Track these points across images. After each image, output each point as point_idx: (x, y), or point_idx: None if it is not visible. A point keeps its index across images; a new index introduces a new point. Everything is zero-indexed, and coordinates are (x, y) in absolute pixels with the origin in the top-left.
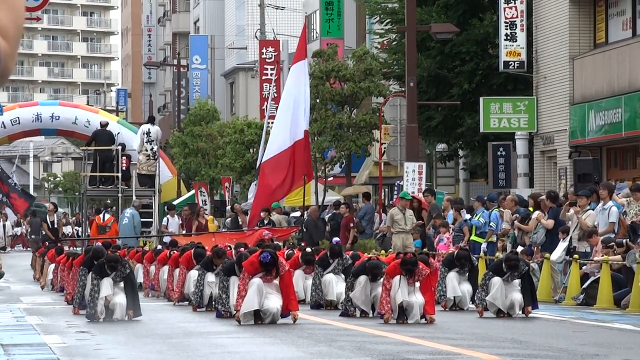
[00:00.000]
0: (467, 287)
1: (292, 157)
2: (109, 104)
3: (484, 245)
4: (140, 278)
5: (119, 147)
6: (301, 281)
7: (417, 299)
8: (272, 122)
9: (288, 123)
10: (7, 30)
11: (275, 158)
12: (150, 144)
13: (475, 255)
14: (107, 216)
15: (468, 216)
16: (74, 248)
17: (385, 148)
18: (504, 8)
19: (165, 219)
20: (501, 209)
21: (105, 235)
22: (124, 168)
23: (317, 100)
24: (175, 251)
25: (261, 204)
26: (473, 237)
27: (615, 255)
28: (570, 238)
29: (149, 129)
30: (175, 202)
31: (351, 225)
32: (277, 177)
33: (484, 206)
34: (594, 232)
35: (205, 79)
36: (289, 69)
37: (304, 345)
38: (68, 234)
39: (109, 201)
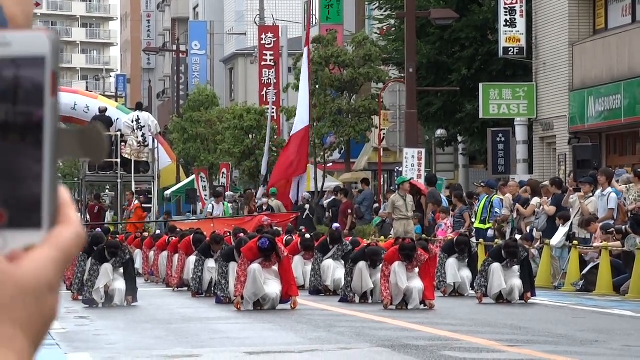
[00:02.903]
0: (466, 273)
1: (302, 141)
2: (108, 90)
3: (490, 232)
4: (139, 264)
5: (118, 133)
6: (300, 267)
7: (417, 284)
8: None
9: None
10: (16, 18)
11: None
12: (141, 130)
13: (475, 242)
14: (135, 202)
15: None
16: None
17: (384, 134)
18: None
19: (210, 205)
20: (501, 197)
21: (131, 220)
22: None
23: (317, 86)
24: (174, 237)
25: (280, 173)
26: (477, 225)
27: (615, 241)
28: (571, 224)
29: (137, 116)
30: (174, 188)
31: (349, 211)
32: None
33: (493, 190)
34: (592, 220)
35: (204, 64)
36: (289, 54)
37: (303, 331)
38: None
39: (138, 188)
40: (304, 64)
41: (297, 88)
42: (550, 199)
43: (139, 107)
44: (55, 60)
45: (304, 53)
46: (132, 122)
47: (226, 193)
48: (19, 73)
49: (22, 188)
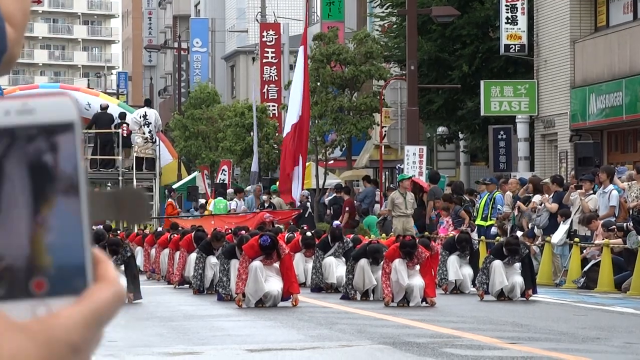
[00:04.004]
0: (468, 271)
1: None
2: (109, 87)
3: (494, 230)
4: (140, 261)
5: (119, 130)
6: (301, 264)
7: (417, 282)
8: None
9: (297, 103)
10: (13, 17)
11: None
12: (148, 127)
13: (476, 239)
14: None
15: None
16: None
17: (385, 131)
18: None
19: (233, 202)
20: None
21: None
22: (124, 135)
23: (318, 84)
24: (175, 234)
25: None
26: (478, 222)
27: (616, 238)
28: (572, 221)
29: (145, 112)
30: (175, 185)
31: (347, 208)
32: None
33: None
34: (593, 218)
35: (205, 62)
36: (290, 52)
37: (304, 329)
38: None
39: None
40: (300, 62)
41: None
42: (551, 196)
43: (147, 103)
44: (81, 125)
45: (299, 51)
46: (140, 117)
47: (227, 190)
48: (49, 140)
49: (61, 255)
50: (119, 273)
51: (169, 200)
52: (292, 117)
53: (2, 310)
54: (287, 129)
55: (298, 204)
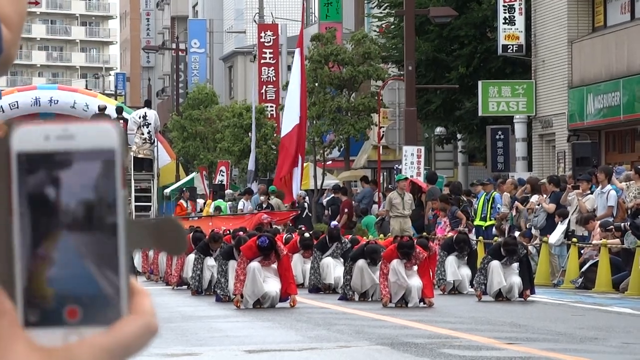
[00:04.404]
0: (466, 271)
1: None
2: (107, 88)
3: (494, 230)
4: (138, 262)
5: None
6: (300, 265)
7: (415, 282)
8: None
9: (296, 104)
10: (10, 18)
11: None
12: (147, 127)
13: (474, 240)
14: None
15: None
16: None
17: (384, 132)
18: None
19: (241, 202)
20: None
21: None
22: None
23: (316, 84)
24: None
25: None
26: (477, 222)
27: (614, 239)
28: (569, 221)
29: (145, 113)
30: (173, 186)
31: (345, 210)
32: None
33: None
34: (590, 218)
35: (203, 62)
36: (288, 52)
37: (302, 329)
38: None
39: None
40: (296, 64)
41: None
42: (548, 196)
43: (147, 104)
44: (123, 153)
45: (295, 53)
46: (140, 118)
47: (225, 191)
48: (87, 167)
49: (96, 285)
50: (154, 307)
51: (180, 201)
52: (290, 117)
53: (31, 334)
54: (285, 129)
55: (296, 204)
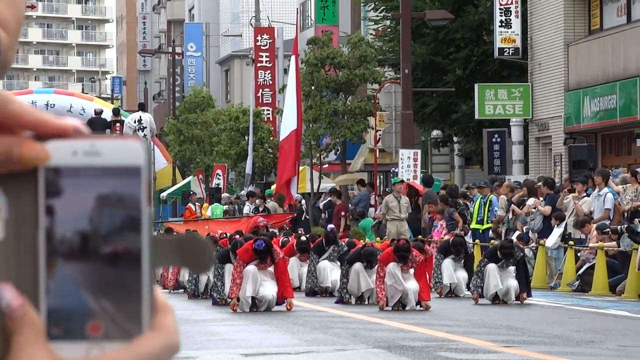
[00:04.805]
0: (462, 274)
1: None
2: (104, 92)
3: (491, 233)
4: None
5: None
6: (296, 268)
7: (412, 285)
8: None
9: (293, 110)
10: (7, 22)
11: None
12: (143, 131)
13: (471, 243)
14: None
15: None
16: None
17: (380, 135)
18: None
19: (246, 206)
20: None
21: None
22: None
23: (312, 88)
24: None
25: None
26: (473, 225)
27: (611, 241)
28: (566, 224)
29: (140, 117)
30: (170, 190)
31: (342, 213)
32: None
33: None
34: (586, 222)
35: (200, 66)
36: (285, 56)
37: (299, 333)
38: None
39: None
40: (292, 70)
41: None
42: (543, 199)
43: (141, 107)
44: (149, 170)
45: (291, 59)
46: (135, 122)
47: (222, 195)
48: (113, 183)
49: (119, 300)
50: (177, 324)
51: (189, 204)
52: (287, 122)
53: (53, 347)
54: (283, 133)
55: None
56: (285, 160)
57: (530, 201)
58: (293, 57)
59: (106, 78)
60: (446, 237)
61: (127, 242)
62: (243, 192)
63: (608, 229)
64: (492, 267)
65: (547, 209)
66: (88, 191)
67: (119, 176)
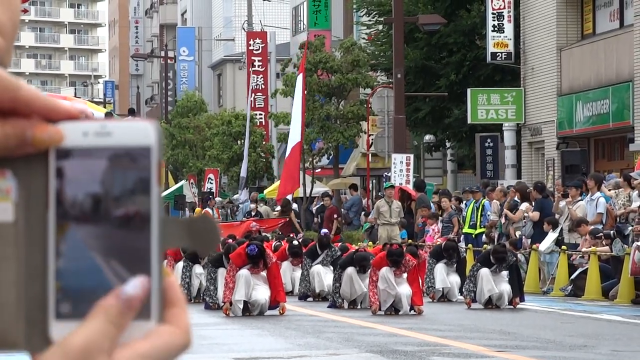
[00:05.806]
0: (455, 279)
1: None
2: (96, 96)
3: (484, 238)
4: None
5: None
6: (289, 273)
7: (405, 290)
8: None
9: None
10: (4, 26)
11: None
12: None
13: (463, 247)
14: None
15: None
16: None
17: (372, 139)
18: None
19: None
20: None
21: None
22: None
23: (305, 92)
24: None
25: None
26: (465, 230)
27: (603, 246)
28: (561, 229)
29: None
30: (162, 194)
31: (334, 216)
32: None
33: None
34: (582, 222)
35: (192, 70)
36: (277, 60)
37: (292, 337)
38: None
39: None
40: (298, 87)
41: (285, 94)
42: (534, 204)
43: (131, 113)
44: (160, 151)
45: (297, 78)
46: None
47: (215, 199)
48: (123, 163)
49: (129, 280)
50: (191, 325)
51: (206, 209)
52: (293, 137)
53: (61, 326)
54: (288, 150)
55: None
56: (288, 176)
57: (523, 206)
58: (300, 75)
59: (98, 82)
60: (439, 242)
61: (138, 218)
62: (236, 196)
63: (601, 234)
64: (485, 271)
65: (536, 215)
66: (98, 172)
67: (128, 157)
